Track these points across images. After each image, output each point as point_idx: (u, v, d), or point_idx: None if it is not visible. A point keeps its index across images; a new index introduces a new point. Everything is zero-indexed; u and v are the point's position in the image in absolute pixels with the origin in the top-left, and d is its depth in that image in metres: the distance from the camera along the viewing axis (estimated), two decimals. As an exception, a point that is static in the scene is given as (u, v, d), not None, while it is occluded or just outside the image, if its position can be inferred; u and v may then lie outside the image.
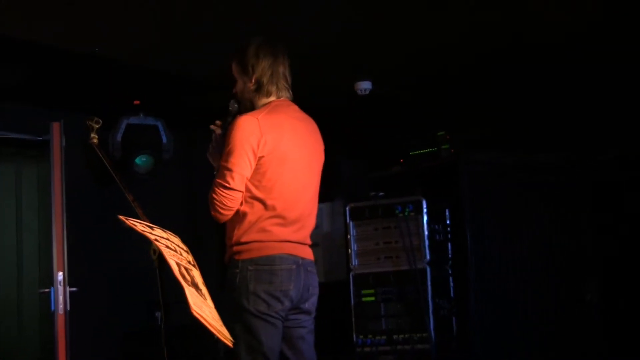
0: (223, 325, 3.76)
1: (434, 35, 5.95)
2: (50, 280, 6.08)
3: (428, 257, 7.10)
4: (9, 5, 5.01)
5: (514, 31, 5.90)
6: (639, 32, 5.93)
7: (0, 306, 7.51)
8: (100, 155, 4.21)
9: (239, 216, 4.10)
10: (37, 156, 7.40)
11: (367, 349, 7.19)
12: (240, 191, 4.06)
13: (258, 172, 4.07)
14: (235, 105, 4.32)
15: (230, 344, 3.83)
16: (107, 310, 7.37)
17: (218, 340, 3.69)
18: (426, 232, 7.14)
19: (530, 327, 7.10)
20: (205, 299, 3.72)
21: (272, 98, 4.25)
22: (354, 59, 6.43)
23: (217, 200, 4.07)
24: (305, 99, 4.40)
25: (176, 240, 3.86)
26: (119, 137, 7.35)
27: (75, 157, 6.53)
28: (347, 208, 7.45)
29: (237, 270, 4.07)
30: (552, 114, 7.74)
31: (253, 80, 4.23)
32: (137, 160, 7.44)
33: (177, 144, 7.74)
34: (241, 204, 4.09)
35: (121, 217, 3.58)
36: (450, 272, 7.28)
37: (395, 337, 7.13)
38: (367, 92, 6.90)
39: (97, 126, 4.31)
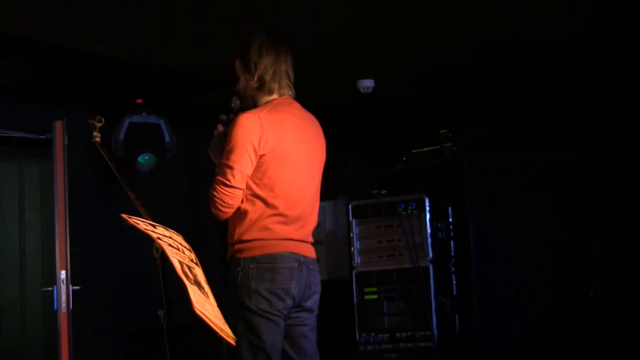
0: (226, 324, 3.76)
1: (433, 36, 5.94)
2: (53, 279, 6.09)
3: (431, 255, 7.11)
4: (12, 3, 5.02)
5: (514, 31, 5.90)
6: (639, 32, 5.92)
7: (3, 305, 7.52)
8: (103, 154, 4.22)
9: (241, 214, 4.10)
10: (40, 155, 7.40)
11: (370, 347, 7.20)
12: (241, 189, 4.06)
13: (259, 170, 4.07)
14: (238, 102, 4.33)
15: (232, 342, 3.84)
16: (110, 308, 7.37)
17: (221, 338, 3.69)
18: (429, 230, 7.15)
19: (533, 326, 7.09)
20: (207, 297, 3.72)
21: (275, 96, 4.25)
22: (354, 59, 6.43)
23: (217, 198, 4.07)
24: (308, 99, 4.40)
25: (179, 238, 3.87)
26: (121, 135, 7.34)
27: (77, 155, 6.52)
28: (349, 206, 7.46)
29: (239, 269, 4.07)
30: (552, 114, 7.74)
31: (255, 78, 4.23)
32: (140, 159, 7.42)
33: (180, 142, 7.74)
34: (242, 201, 4.09)
35: (124, 215, 3.58)
36: (452, 270, 7.30)
37: (398, 335, 7.14)
38: (370, 90, 6.89)
39: (100, 125, 4.31)
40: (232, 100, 4.35)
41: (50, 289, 6.07)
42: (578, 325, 7.21)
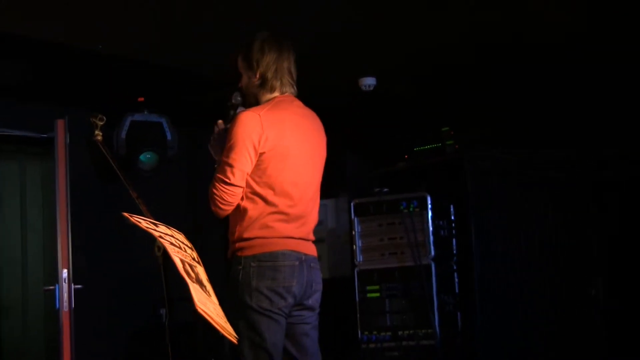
0: (227, 322, 3.76)
1: (434, 35, 5.95)
2: (54, 278, 6.10)
3: (433, 253, 7.11)
4: (12, 3, 5.03)
5: (514, 31, 5.91)
6: (639, 32, 5.93)
7: (4, 304, 7.52)
8: (105, 153, 4.22)
9: (241, 212, 4.12)
10: (41, 153, 7.40)
11: (372, 345, 7.19)
12: (241, 187, 4.08)
13: (259, 168, 4.08)
14: (239, 99, 4.35)
15: (234, 341, 3.85)
16: (112, 307, 7.37)
17: (223, 336, 3.70)
18: (431, 228, 7.15)
19: (533, 325, 7.10)
20: (209, 295, 3.72)
21: (276, 93, 4.27)
22: (354, 58, 6.44)
23: (217, 196, 4.09)
24: (309, 98, 4.41)
25: (180, 237, 3.87)
26: (123, 134, 7.34)
27: (79, 154, 6.53)
28: (351, 204, 7.46)
29: (240, 267, 4.08)
30: (552, 114, 7.73)
31: (257, 76, 4.25)
32: (142, 157, 7.43)
33: (182, 140, 7.74)
34: (243, 199, 4.11)
35: (125, 214, 3.59)
36: (455, 268, 7.29)
37: (400, 333, 7.14)
38: (372, 88, 6.90)
39: (102, 123, 4.30)
40: (232, 95, 4.37)
41: (52, 287, 6.06)
42: (578, 325, 7.23)
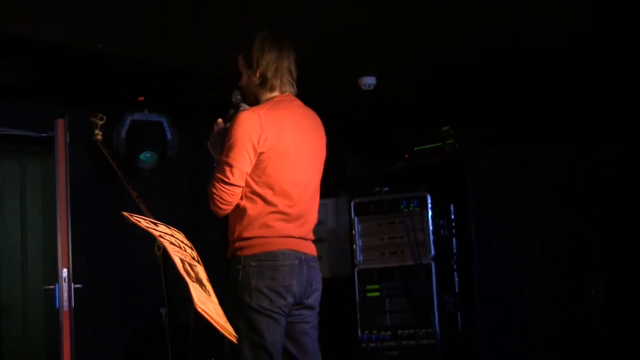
0: (227, 321, 3.76)
1: (434, 35, 5.95)
2: (54, 277, 6.10)
3: (433, 252, 7.12)
4: (12, 3, 5.03)
5: (514, 31, 5.90)
6: (639, 32, 5.92)
7: (4, 304, 7.52)
8: (105, 152, 4.22)
9: (240, 212, 4.13)
10: (41, 153, 7.40)
11: (372, 345, 7.20)
12: (240, 186, 4.08)
13: (258, 167, 4.09)
14: (238, 97, 4.35)
15: (234, 340, 3.84)
16: (111, 306, 7.37)
17: (222, 336, 3.70)
18: (431, 228, 7.15)
19: (533, 325, 7.10)
20: (209, 295, 3.72)
21: (276, 93, 4.27)
22: (354, 58, 6.43)
23: (216, 195, 4.09)
24: (309, 98, 4.41)
25: (180, 236, 3.87)
26: (123, 133, 7.33)
27: (79, 153, 6.54)
28: (351, 203, 7.46)
29: (240, 266, 4.09)
30: (552, 114, 7.73)
31: (257, 75, 4.26)
32: (142, 157, 7.42)
33: (182, 140, 7.74)
34: (242, 199, 4.11)
35: (125, 213, 3.59)
36: (455, 267, 7.29)
37: (400, 332, 7.14)
38: (372, 87, 6.89)
39: (102, 123, 4.30)
40: (232, 94, 4.37)
41: (52, 287, 6.06)
42: (578, 325, 7.23)
